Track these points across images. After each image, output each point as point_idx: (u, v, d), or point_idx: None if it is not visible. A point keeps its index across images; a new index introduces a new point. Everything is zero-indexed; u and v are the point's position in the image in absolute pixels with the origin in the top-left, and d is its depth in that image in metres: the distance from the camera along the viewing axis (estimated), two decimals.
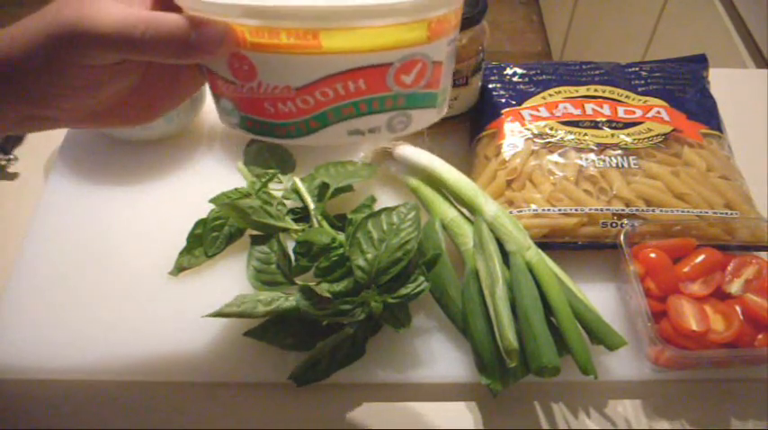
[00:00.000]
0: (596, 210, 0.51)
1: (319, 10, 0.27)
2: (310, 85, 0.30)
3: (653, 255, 0.48)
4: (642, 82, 0.62)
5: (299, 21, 0.28)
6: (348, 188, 0.55)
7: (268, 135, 0.33)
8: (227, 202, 0.50)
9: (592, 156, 0.54)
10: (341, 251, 0.48)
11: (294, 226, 0.52)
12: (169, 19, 0.30)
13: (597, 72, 0.63)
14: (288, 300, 0.46)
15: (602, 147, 0.55)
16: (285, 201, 0.54)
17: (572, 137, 0.56)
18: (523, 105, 0.60)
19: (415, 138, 0.58)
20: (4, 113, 0.33)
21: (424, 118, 0.33)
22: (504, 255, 0.48)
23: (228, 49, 0.30)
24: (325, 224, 0.51)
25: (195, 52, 0.30)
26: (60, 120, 0.35)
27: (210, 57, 0.30)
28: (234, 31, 0.29)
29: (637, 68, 0.64)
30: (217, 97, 0.34)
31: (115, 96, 0.34)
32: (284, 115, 0.31)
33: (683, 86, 0.62)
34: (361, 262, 0.46)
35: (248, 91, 0.31)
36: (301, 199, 0.54)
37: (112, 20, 0.29)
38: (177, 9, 0.31)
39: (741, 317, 0.46)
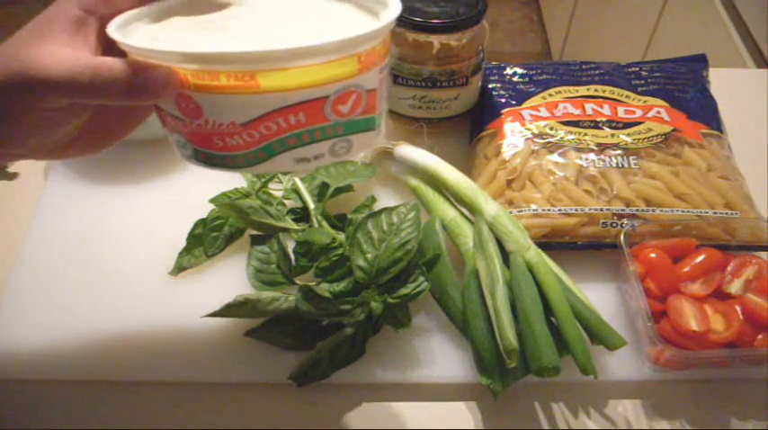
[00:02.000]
0: (596, 209, 0.51)
1: (254, 54, 0.29)
2: (254, 120, 0.31)
3: (653, 255, 0.48)
4: (642, 82, 0.62)
5: (236, 64, 0.29)
6: (348, 188, 0.55)
7: (220, 166, 0.34)
8: (227, 202, 0.50)
9: (592, 155, 0.54)
10: (341, 251, 0.48)
11: (294, 226, 0.52)
12: (114, 65, 0.31)
13: (597, 72, 0.63)
14: (288, 299, 0.46)
15: (602, 147, 0.55)
16: (285, 201, 0.54)
17: (572, 137, 0.56)
18: (523, 105, 0.60)
19: (415, 138, 0.58)
20: None
21: (365, 141, 0.35)
22: (504, 255, 0.48)
23: (173, 91, 0.31)
24: (325, 224, 0.51)
25: (141, 96, 0.31)
26: (26, 155, 0.36)
27: (156, 99, 0.32)
28: (177, 74, 0.31)
29: (637, 68, 0.64)
30: (169, 132, 0.36)
31: (75, 130, 0.36)
32: (232, 148, 0.33)
33: (683, 86, 0.62)
34: (361, 262, 0.46)
35: (197, 127, 0.33)
36: (301, 199, 0.54)
37: (60, 66, 0.30)
38: (123, 52, 0.32)
39: (741, 317, 0.45)
